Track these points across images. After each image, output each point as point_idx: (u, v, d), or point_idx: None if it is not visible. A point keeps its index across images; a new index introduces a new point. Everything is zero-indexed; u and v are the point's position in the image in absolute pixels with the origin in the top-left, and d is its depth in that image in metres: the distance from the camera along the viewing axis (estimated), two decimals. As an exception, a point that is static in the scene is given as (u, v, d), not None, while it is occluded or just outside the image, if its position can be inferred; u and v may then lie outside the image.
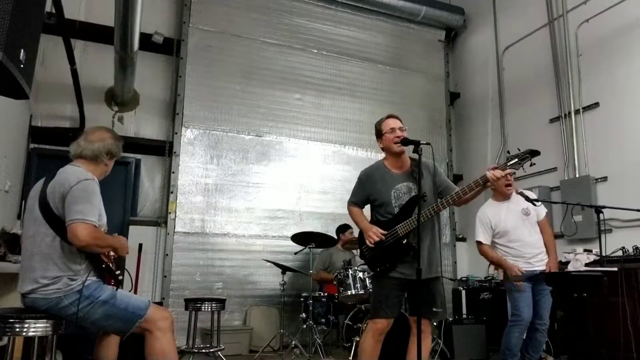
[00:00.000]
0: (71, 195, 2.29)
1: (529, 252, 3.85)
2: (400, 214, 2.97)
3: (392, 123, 3.08)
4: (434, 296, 2.99)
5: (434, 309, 2.96)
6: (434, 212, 2.94)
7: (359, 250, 3.24)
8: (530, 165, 2.89)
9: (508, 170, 2.85)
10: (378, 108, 7.00)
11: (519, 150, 2.91)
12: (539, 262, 3.85)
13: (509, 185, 3.87)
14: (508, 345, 3.73)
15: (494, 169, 2.84)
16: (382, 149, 3.16)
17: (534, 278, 3.80)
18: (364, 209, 3.23)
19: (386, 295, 2.96)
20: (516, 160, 2.85)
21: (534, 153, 2.84)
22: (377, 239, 2.94)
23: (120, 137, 2.71)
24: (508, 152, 2.98)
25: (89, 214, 2.28)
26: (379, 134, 3.13)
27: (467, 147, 7.42)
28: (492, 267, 5.63)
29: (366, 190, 3.13)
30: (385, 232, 2.97)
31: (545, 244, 3.94)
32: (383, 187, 3.05)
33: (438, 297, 3.00)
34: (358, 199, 3.19)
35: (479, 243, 3.97)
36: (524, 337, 3.88)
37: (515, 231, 3.87)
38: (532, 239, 3.88)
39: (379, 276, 3.03)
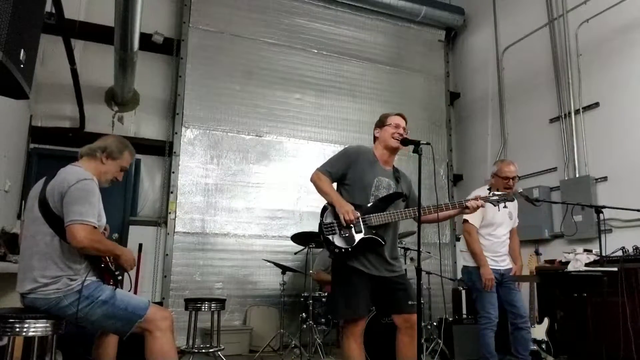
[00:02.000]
0: (69, 195, 2.29)
1: (500, 251, 3.92)
2: (376, 205, 2.90)
3: (398, 120, 3.07)
4: (407, 290, 2.94)
5: (410, 302, 2.90)
6: (409, 216, 2.90)
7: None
8: (505, 207, 3.27)
9: (481, 203, 3.01)
10: (378, 108, 6.99)
11: (498, 189, 3.34)
12: (504, 262, 3.93)
13: (509, 187, 3.88)
14: (487, 348, 3.78)
15: (475, 199, 3.01)
16: (376, 138, 3.12)
17: (501, 277, 3.86)
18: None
19: (355, 292, 2.85)
20: (496, 198, 3.06)
21: (511, 199, 3.14)
22: (352, 217, 2.78)
23: (126, 142, 2.68)
24: (489, 188, 3.33)
25: (88, 214, 2.28)
26: (382, 124, 3.10)
27: (467, 147, 7.42)
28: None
29: (349, 165, 2.98)
30: (359, 216, 2.83)
31: (511, 250, 4.04)
32: (369, 170, 2.98)
33: (410, 290, 2.95)
34: (335, 170, 2.98)
35: (469, 223, 3.90)
36: (511, 338, 3.91)
37: (497, 227, 3.91)
38: (506, 241, 3.98)
39: (344, 269, 2.89)
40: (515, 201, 3.99)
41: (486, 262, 3.81)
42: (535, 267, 5.02)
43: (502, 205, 3.09)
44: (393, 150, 3.07)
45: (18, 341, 2.60)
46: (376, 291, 2.91)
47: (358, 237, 2.83)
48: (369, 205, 2.90)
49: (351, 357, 2.83)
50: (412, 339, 2.82)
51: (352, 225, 2.81)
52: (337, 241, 2.84)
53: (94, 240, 2.28)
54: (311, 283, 5.09)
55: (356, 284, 2.85)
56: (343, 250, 2.82)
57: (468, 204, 2.94)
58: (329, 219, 2.88)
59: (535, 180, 5.97)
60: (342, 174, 2.98)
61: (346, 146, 3.16)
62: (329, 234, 2.85)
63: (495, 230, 3.89)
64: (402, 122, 3.07)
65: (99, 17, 5.60)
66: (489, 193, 3.10)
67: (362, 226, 2.83)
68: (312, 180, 3.00)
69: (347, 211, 2.79)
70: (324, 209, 2.95)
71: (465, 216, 3.87)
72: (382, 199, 2.92)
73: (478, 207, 2.97)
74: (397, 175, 3.10)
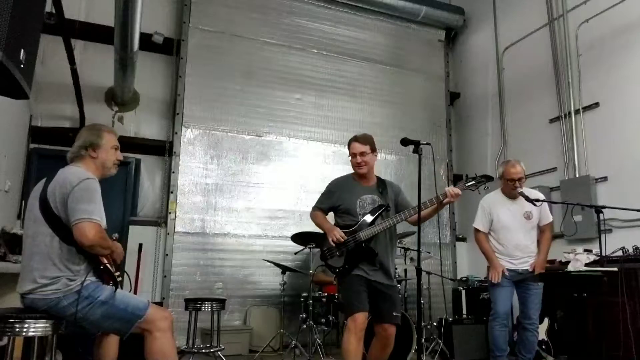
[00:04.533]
0: (74, 195, 2.29)
1: (516, 254, 3.87)
2: (363, 222, 3.22)
3: (352, 148, 3.31)
4: (394, 302, 3.23)
5: (395, 314, 3.20)
6: (394, 222, 3.20)
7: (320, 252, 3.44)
8: (485, 188, 3.29)
9: (457, 191, 3.12)
10: (378, 108, 7.01)
11: (476, 174, 3.31)
12: (523, 264, 3.86)
13: (515, 189, 3.88)
14: (492, 341, 3.80)
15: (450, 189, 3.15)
16: None
17: (518, 277, 3.84)
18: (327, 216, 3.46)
19: (357, 291, 3.12)
20: (473, 182, 3.24)
21: (489, 178, 3.24)
22: (339, 237, 3.15)
23: (97, 126, 2.66)
24: (467, 175, 3.38)
25: (94, 213, 2.29)
26: (349, 154, 3.38)
27: (467, 147, 7.42)
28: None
29: (333, 198, 3.36)
30: (346, 236, 3.19)
31: (539, 245, 3.95)
32: (349, 195, 3.31)
33: (397, 303, 3.27)
34: (324, 206, 3.40)
35: (476, 230, 4.01)
36: (516, 339, 3.90)
37: (508, 231, 3.88)
38: (524, 243, 3.89)
39: (345, 277, 3.21)
40: (539, 197, 3.94)
41: (494, 258, 3.85)
42: (535, 267, 5.02)
43: (481, 187, 3.24)
44: (363, 174, 3.33)
45: (18, 341, 2.60)
46: (370, 294, 3.16)
47: (352, 253, 3.19)
48: (357, 224, 3.22)
49: (349, 350, 3.01)
50: (385, 351, 3.19)
51: (344, 244, 3.17)
52: (335, 262, 3.25)
53: (102, 237, 2.30)
54: (311, 283, 5.09)
55: (356, 284, 3.14)
56: (341, 268, 3.21)
57: (448, 191, 3.13)
58: (326, 246, 3.28)
59: (535, 180, 5.96)
60: (331, 206, 3.38)
61: (328, 182, 3.50)
62: (328, 258, 3.28)
63: (508, 234, 3.88)
64: (357, 149, 3.29)
65: (99, 17, 5.60)
66: (464, 180, 3.27)
67: (353, 243, 3.19)
68: (310, 216, 3.46)
69: (334, 234, 3.19)
70: (322, 239, 3.32)
71: (474, 224, 4.02)
72: (367, 216, 3.22)
73: (453, 196, 3.10)
74: (380, 188, 3.36)
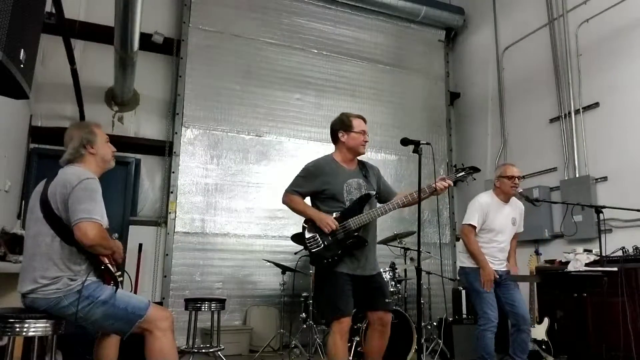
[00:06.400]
0: (74, 195, 2.29)
1: (498, 256, 3.90)
2: (351, 209, 3.01)
3: (364, 126, 3.19)
4: (383, 289, 3.12)
5: (387, 300, 3.09)
6: (386, 210, 3.02)
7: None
8: (473, 179, 3.26)
9: (449, 182, 3.06)
10: (378, 108, 7.00)
11: (463, 165, 3.28)
12: (500, 266, 3.90)
13: (515, 186, 3.88)
14: (485, 349, 3.73)
15: (442, 179, 3.05)
16: (342, 142, 3.18)
17: (499, 278, 3.84)
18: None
19: (342, 292, 2.92)
20: (463, 174, 3.17)
21: (476, 170, 3.22)
22: (334, 227, 2.94)
23: (85, 123, 2.72)
24: (454, 165, 3.34)
25: (95, 212, 2.29)
26: (347, 128, 3.16)
27: (467, 147, 7.42)
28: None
29: (317, 182, 3.08)
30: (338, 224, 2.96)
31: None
32: (335, 179, 3.08)
33: (386, 289, 3.18)
34: (303, 190, 3.11)
35: (470, 226, 3.88)
36: (510, 340, 3.90)
37: (499, 234, 3.89)
38: (507, 246, 3.96)
39: (328, 273, 2.98)
40: (522, 207, 4.01)
41: (486, 263, 3.80)
42: (535, 267, 5.02)
43: (468, 178, 3.20)
44: (359, 154, 3.20)
45: (18, 341, 2.60)
46: (356, 289, 2.99)
47: (341, 243, 2.96)
48: (345, 211, 3.01)
49: (336, 354, 2.89)
50: (383, 338, 3.01)
51: (335, 233, 2.94)
52: (324, 252, 2.97)
53: (103, 237, 2.30)
54: (311, 283, 5.09)
55: (342, 285, 2.94)
56: (331, 259, 2.95)
57: (438, 186, 3.02)
58: (310, 234, 3.01)
59: (535, 180, 5.97)
60: (310, 191, 3.11)
61: (306, 164, 3.24)
62: (314, 248, 2.99)
63: (496, 237, 3.88)
64: (366, 127, 3.21)
65: (99, 17, 5.60)
66: (454, 171, 3.23)
67: (343, 232, 2.96)
68: (284, 202, 3.16)
69: (328, 223, 2.94)
70: (304, 228, 3.05)
71: (464, 219, 3.95)
72: (355, 203, 3.03)
73: (446, 187, 3.04)
74: (364, 171, 3.19)
